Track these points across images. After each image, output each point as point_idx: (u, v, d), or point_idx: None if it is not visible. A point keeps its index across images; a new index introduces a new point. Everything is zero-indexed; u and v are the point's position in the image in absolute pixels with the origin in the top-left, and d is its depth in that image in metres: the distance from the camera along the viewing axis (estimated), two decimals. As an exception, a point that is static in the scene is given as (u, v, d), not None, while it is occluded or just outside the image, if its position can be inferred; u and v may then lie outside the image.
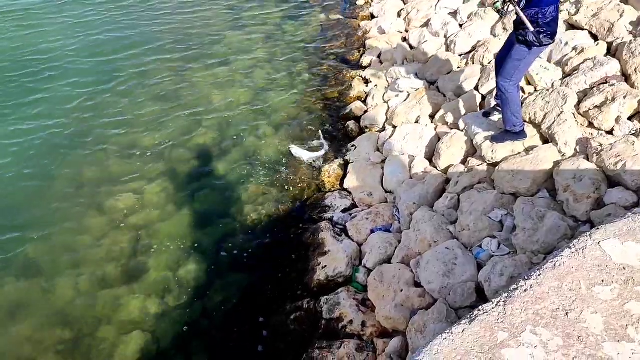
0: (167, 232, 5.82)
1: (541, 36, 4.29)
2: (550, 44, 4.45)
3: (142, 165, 6.79)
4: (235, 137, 7.27)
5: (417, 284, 4.35)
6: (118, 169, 6.74)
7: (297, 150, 6.75)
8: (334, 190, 6.13)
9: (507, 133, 4.94)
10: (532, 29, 4.21)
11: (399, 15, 9.50)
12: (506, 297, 2.32)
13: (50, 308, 5.09)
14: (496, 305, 2.29)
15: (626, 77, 5.04)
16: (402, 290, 4.31)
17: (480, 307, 2.31)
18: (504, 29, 6.97)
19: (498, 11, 4.56)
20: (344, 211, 5.74)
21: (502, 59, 4.73)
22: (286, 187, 6.34)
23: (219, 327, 4.85)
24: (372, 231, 5.26)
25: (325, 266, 5.00)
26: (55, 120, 7.71)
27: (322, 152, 6.76)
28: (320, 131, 7.10)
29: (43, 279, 5.36)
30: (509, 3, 4.39)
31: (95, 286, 5.27)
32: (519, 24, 4.35)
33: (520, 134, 4.89)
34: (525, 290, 2.32)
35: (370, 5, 10.55)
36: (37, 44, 9.81)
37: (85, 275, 5.37)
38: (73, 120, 7.74)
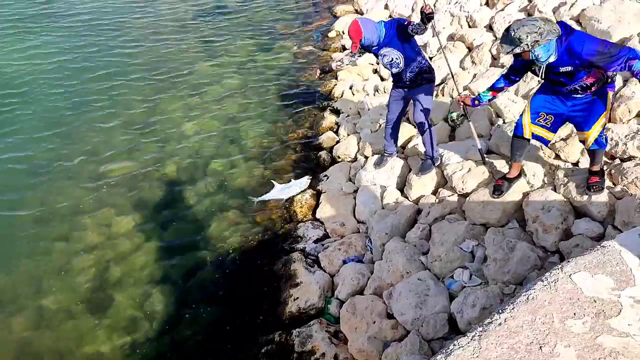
0: (135, 263, 5.67)
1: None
2: None
3: (110, 195, 6.66)
4: (206, 167, 7.20)
5: (390, 316, 4.31)
6: (86, 199, 6.59)
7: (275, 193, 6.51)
8: (306, 221, 6.09)
9: (431, 161, 5.51)
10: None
11: (369, 47, 9.66)
12: (481, 331, 2.32)
13: (11, 342, 4.87)
14: (471, 339, 2.28)
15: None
16: (374, 322, 4.27)
17: (455, 342, 2.30)
18: (473, 62, 7.15)
19: (452, 121, 5.57)
20: (316, 241, 5.70)
21: (398, 120, 5.67)
22: (257, 217, 6.27)
23: (188, 361, 4.71)
24: (345, 262, 5.22)
25: (297, 298, 4.94)
26: (22, 149, 7.56)
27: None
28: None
29: (3, 312, 5.14)
30: (462, 117, 5.28)
31: (59, 319, 5.08)
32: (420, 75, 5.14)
33: (438, 159, 5.55)
34: (500, 324, 2.33)
35: (342, 37, 10.73)
36: (3, 72, 9.62)
37: (48, 308, 5.18)
38: (40, 149, 7.60)
